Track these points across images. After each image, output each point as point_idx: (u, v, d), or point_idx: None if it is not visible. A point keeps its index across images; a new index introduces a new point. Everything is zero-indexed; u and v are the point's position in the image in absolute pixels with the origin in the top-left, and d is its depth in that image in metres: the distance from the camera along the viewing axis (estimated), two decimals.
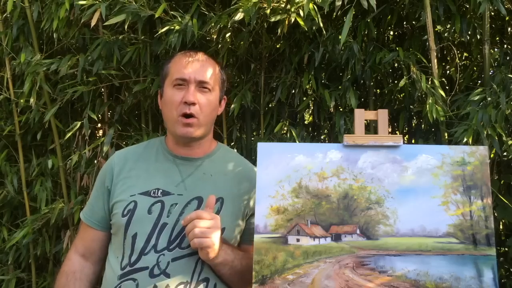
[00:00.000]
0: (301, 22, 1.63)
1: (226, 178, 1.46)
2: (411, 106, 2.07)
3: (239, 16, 1.62)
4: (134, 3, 1.74)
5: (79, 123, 2.01)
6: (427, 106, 1.69)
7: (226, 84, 1.56)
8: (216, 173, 1.46)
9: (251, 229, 1.46)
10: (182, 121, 1.38)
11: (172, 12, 1.76)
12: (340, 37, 1.80)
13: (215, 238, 1.28)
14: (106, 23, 1.78)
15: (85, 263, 1.48)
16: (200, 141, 1.46)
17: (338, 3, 1.52)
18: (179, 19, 1.73)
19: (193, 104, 1.37)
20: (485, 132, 1.58)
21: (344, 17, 1.75)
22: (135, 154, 1.49)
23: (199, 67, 1.41)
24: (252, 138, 2.19)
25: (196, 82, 1.40)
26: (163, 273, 1.31)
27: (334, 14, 1.54)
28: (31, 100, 2.05)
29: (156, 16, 1.71)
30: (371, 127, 1.96)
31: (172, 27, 1.71)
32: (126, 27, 1.77)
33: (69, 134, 2.02)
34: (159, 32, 1.74)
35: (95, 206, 1.47)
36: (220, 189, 1.42)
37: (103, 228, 1.47)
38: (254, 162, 2.06)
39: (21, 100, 2.12)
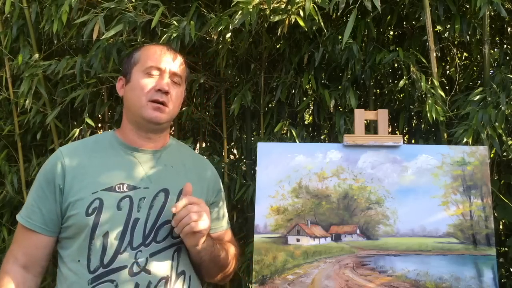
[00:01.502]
0: (301, 22, 1.63)
1: (186, 168, 1.45)
2: (411, 106, 2.07)
3: (238, 21, 1.62)
4: (131, 9, 1.74)
5: (77, 130, 1.99)
6: (427, 106, 1.69)
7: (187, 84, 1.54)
8: (176, 165, 1.44)
9: (213, 218, 1.45)
10: (152, 105, 1.35)
11: (170, 17, 1.76)
12: (340, 37, 1.80)
13: (209, 220, 1.29)
14: (104, 37, 1.78)
15: (27, 275, 1.32)
16: (160, 134, 1.44)
17: (342, 5, 1.51)
18: (176, 23, 1.74)
19: (167, 93, 1.36)
20: (485, 132, 1.58)
21: (344, 17, 1.75)
22: (85, 149, 1.39)
23: (172, 60, 1.41)
24: (252, 138, 2.19)
25: (170, 73, 1.39)
26: (143, 270, 1.27)
27: (334, 14, 1.54)
28: (26, 104, 2.04)
29: (153, 25, 1.71)
30: (371, 127, 1.96)
31: (170, 34, 1.72)
32: (124, 34, 1.77)
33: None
34: (160, 41, 1.74)
35: (43, 208, 1.32)
36: (183, 180, 1.38)
37: (51, 233, 1.33)
38: (254, 162, 2.07)
39: (20, 100, 2.11)
